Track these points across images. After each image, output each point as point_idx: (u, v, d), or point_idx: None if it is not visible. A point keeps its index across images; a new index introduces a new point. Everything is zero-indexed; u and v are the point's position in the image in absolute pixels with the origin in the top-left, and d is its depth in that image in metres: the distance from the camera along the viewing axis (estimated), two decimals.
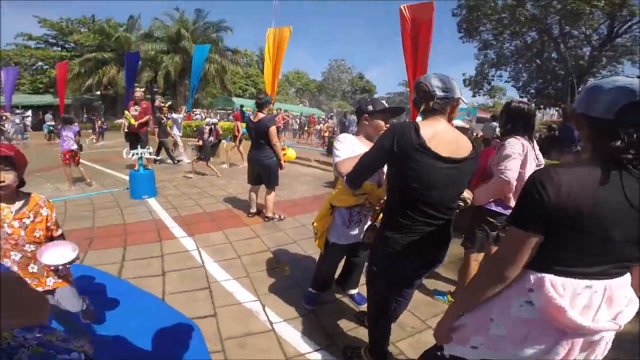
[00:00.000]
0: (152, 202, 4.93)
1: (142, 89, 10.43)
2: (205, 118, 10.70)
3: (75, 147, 5.72)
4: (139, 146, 5.58)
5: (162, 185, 5.88)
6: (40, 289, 1.62)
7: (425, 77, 1.38)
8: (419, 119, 1.42)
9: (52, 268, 1.59)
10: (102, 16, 23.81)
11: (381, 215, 1.66)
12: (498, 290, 0.95)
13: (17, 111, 16.86)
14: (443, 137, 1.31)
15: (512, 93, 39.67)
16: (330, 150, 9.12)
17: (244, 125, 10.23)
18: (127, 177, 5.72)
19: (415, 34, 6.06)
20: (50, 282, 1.67)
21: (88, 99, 24.12)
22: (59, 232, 1.74)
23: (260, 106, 3.94)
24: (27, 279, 1.58)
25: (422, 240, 1.36)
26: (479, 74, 21.55)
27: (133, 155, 5.24)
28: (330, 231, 2.04)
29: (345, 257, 2.32)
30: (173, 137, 8.65)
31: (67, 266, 1.65)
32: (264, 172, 4.02)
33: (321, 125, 14.50)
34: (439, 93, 1.34)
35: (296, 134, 18.23)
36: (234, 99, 25.17)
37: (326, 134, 11.53)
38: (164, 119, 7.90)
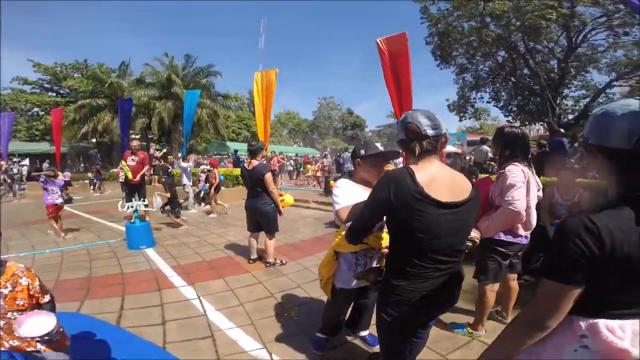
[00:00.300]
0: (150, 252, 4.88)
1: (138, 137, 10.66)
2: (200, 165, 10.87)
3: (59, 200, 5.74)
4: (133, 198, 5.57)
5: (160, 235, 5.87)
6: (31, 349, 1.58)
7: (412, 117, 1.31)
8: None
9: (36, 339, 1.54)
10: (94, 60, 24.59)
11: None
12: (539, 339, 0.89)
13: (15, 159, 16.84)
14: (441, 180, 1.25)
15: (496, 113, 41.59)
16: (328, 190, 9.26)
17: (224, 170, 10.36)
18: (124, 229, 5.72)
19: (394, 65, 6.26)
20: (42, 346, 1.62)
21: (84, 147, 24.30)
22: (46, 298, 1.68)
23: (253, 153, 4.01)
24: (15, 341, 1.56)
25: (432, 285, 1.28)
26: (461, 98, 22.06)
27: (128, 208, 5.27)
28: (337, 277, 2.00)
29: (354, 299, 2.28)
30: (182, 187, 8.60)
31: (60, 330, 1.63)
32: (262, 219, 4.05)
33: (312, 165, 14.48)
34: (430, 132, 1.28)
35: (292, 175, 18.58)
36: (228, 143, 25.80)
37: (318, 174, 11.66)
38: (170, 168, 7.98)
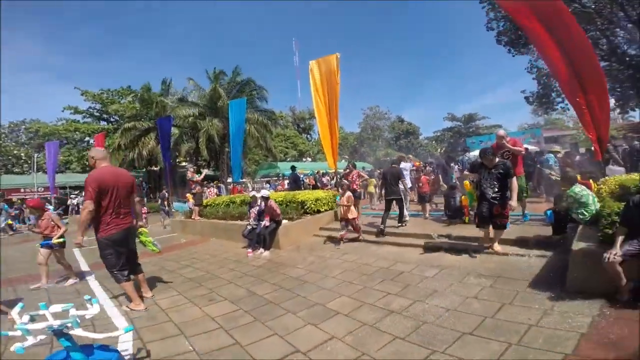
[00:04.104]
0: None
1: (192, 168, 8.40)
2: (251, 190, 8.16)
3: None
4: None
5: None
6: None
7: None
8: None
9: None
10: (137, 86, 23.55)
11: None
12: None
13: (71, 193, 15.81)
14: None
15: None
16: (456, 213, 5.86)
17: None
18: None
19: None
20: None
21: (135, 176, 23.55)
22: None
23: None
24: None
25: None
26: (545, 87, 17.74)
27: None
28: None
29: None
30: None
31: None
32: None
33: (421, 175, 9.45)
34: None
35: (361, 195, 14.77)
36: (279, 163, 23.45)
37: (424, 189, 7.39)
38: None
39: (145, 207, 13.35)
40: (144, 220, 3.74)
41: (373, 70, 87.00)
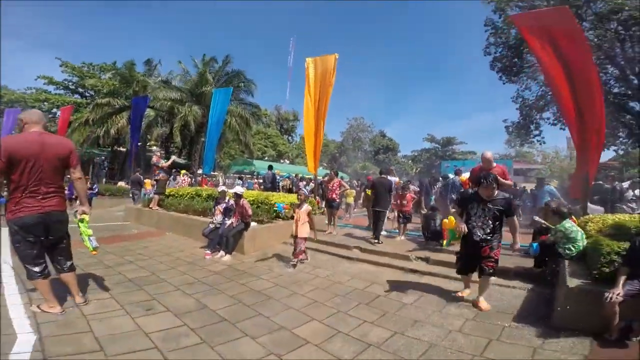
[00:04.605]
0: None
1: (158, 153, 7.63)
2: (221, 185, 7.49)
3: None
4: None
5: None
6: None
7: None
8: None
9: None
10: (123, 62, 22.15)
11: None
12: None
13: None
14: None
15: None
16: (432, 235, 5.46)
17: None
18: None
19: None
20: None
21: (97, 154, 21.82)
22: None
23: None
24: None
25: None
26: (525, 118, 18.27)
27: None
28: None
29: None
30: None
31: None
32: None
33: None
34: None
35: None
36: (255, 161, 22.59)
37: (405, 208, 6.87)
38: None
39: (96, 188, 12.17)
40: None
41: (361, 74, 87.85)
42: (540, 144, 22.01)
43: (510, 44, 16.02)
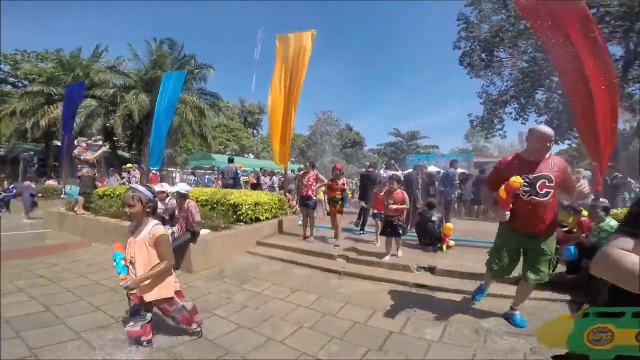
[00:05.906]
0: None
1: (83, 143, 5.95)
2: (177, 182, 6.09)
3: None
4: None
5: None
6: None
7: None
8: None
9: None
10: (70, 50, 19.27)
11: None
12: None
13: None
14: None
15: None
16: (430, 240, 4.52)
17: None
18: None
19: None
20: None
21: (27, 149, 18.66)
22: None
23: None
24: None
25: None
26: (490, 112, 18.56)
27: None
28: None
29: None
30: None
31: None
32: None
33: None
34: None
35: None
36: (214, 155, 20.62)
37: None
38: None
39: (12, 190, 9.92)
40: None
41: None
42: (502, 137, 22.77)
43: (480, 38, 15.99)
